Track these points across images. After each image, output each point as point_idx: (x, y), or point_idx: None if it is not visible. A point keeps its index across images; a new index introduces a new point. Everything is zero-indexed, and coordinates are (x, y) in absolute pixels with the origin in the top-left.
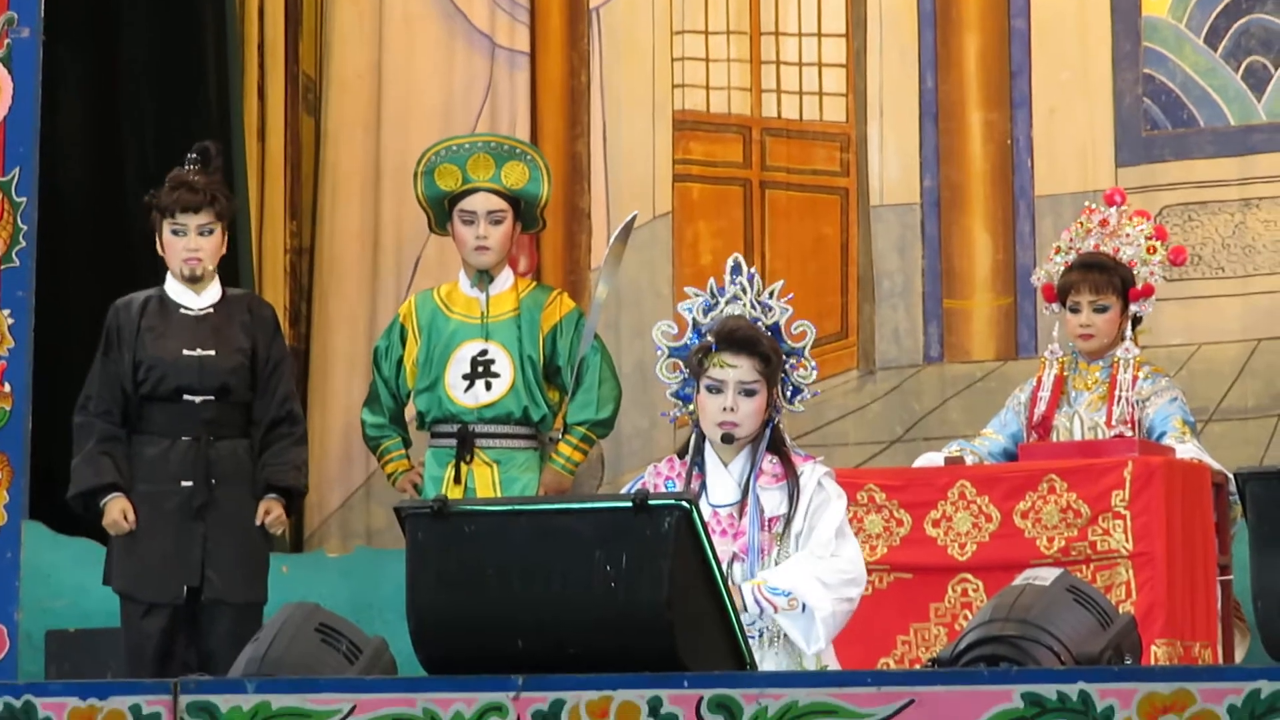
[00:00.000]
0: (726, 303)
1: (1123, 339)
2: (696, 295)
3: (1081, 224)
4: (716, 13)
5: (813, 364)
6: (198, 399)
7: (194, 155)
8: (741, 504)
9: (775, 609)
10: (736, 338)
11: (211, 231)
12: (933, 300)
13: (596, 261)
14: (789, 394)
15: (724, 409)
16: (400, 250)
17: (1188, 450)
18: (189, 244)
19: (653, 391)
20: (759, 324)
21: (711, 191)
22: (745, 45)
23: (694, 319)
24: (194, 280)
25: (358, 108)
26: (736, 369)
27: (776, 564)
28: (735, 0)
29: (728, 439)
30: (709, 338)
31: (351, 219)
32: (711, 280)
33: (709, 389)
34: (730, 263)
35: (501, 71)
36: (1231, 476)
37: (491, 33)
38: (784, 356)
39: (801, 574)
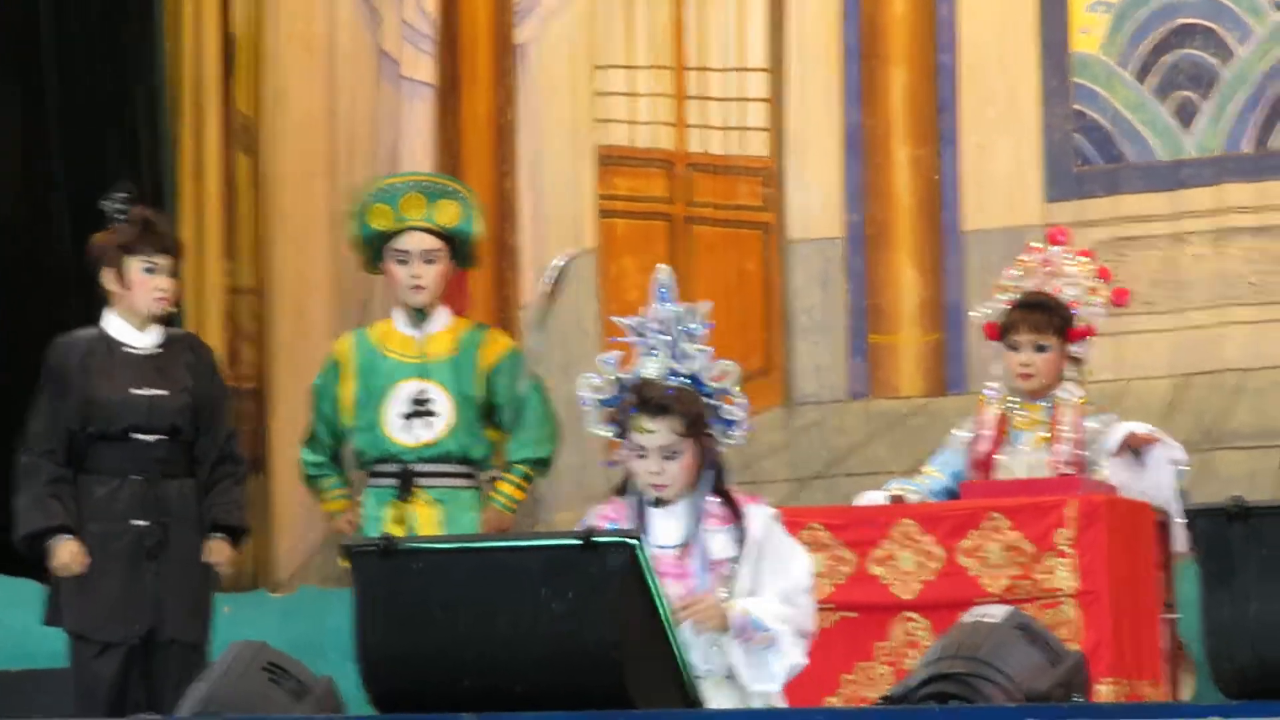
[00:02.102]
0: (645, 353)
1: (1062, 379)
2: (628, 326)
3: (1024, 263)
4: (639, 47)
5: (741, 399)
6: (149, 438)
7: (122, 194)
8: (685, 546)
9: (750, 640)
10: (651, 405)
11: (175, 274)
12: (858, 335)
13: (526, 298)
14: (726, 430)
15: (650, 473)
16: (355, 291)
17: (1143, 426)
18: (160, 283)
19: (582, 429)
20: (677, 376)
21: (636, 227)
22: (668, 79)
23: (617, 377)
24: (155, 319)
25: (307, 149)
26: (655, 434)
27: None
28: (658, 34)
29: (659, 502)
30: (627, 398)
31: (313, 260)
32: (637, 317)
33: (636, 453)
34: (655, 285)
35: (406, 104)
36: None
37: (399, 64)
38: (709, 399)
39: (780, 615)
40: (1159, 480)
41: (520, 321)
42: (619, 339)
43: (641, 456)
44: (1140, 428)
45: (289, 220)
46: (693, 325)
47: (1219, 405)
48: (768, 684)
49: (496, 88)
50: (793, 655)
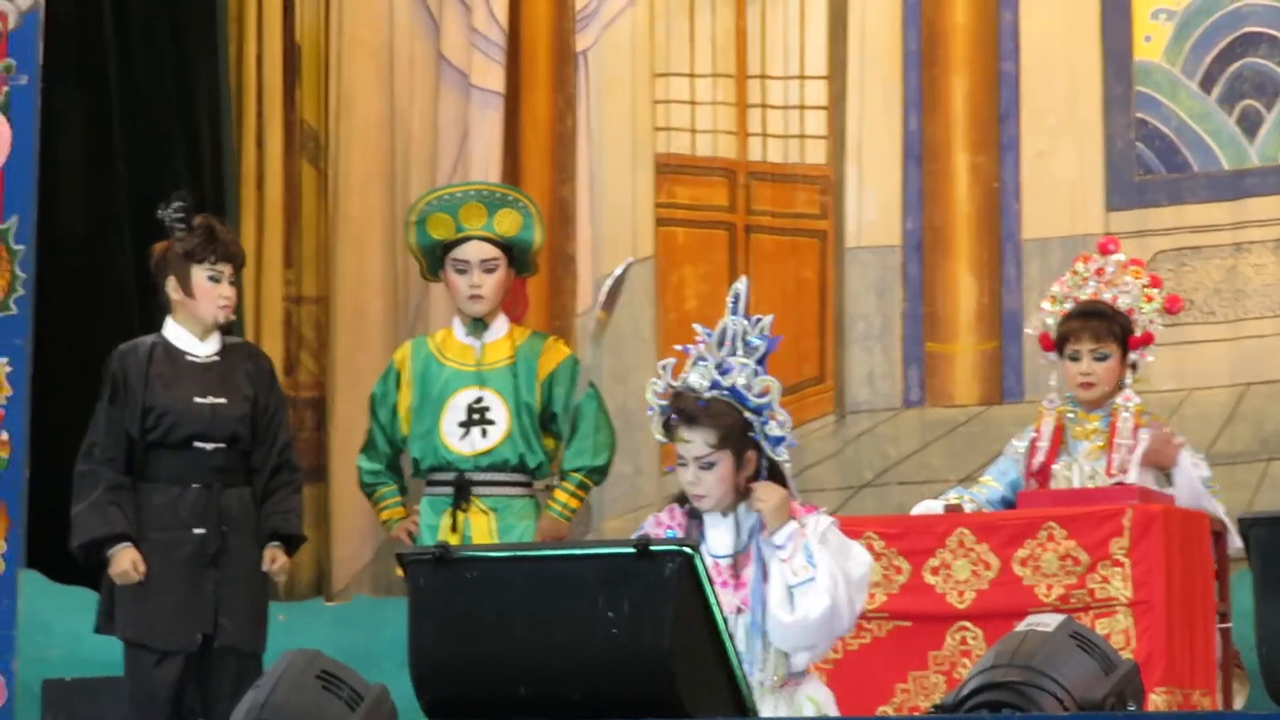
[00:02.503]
0: (691, 365)
1: (1122, 387)
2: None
3: (1077, 272)
4: (701, 55)
5: (784, 415)
6: (209, 446)
7: (180, 204)
8: (741, 556)
9: (790, 561)
10: (685, 415)
11: (236, 282)
12: (913, 343)
13: (583, 306)
14: (771, 447)
15: (688, 482)
16: (409, 298)
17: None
18: (225, 291)
19: (635, 436)
20: (717, 388)
21: (696, 235)
22: (730, 88)
23: (668, 384)
24: (218, 328)
25: (374, 156)
26: (690, 444)
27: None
28: (720, 42)
29: (696, 513)
30: (670, 407)
31: (374, 268)
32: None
33: (678, 460)
34: (731, 294)
35: (475, 113)
36: (1230, 523)
37: (468, 73)
38: (751, 414)
39: (831, 568)
40: (1191, 498)
41: (576, 329)
42: (683, 346)
43: (682, 464)
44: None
45: (351, 228)
46: (753, 338)
47: (1278, 414)
48: (784, 614)
49: (556, 94)
50: (818, 601)
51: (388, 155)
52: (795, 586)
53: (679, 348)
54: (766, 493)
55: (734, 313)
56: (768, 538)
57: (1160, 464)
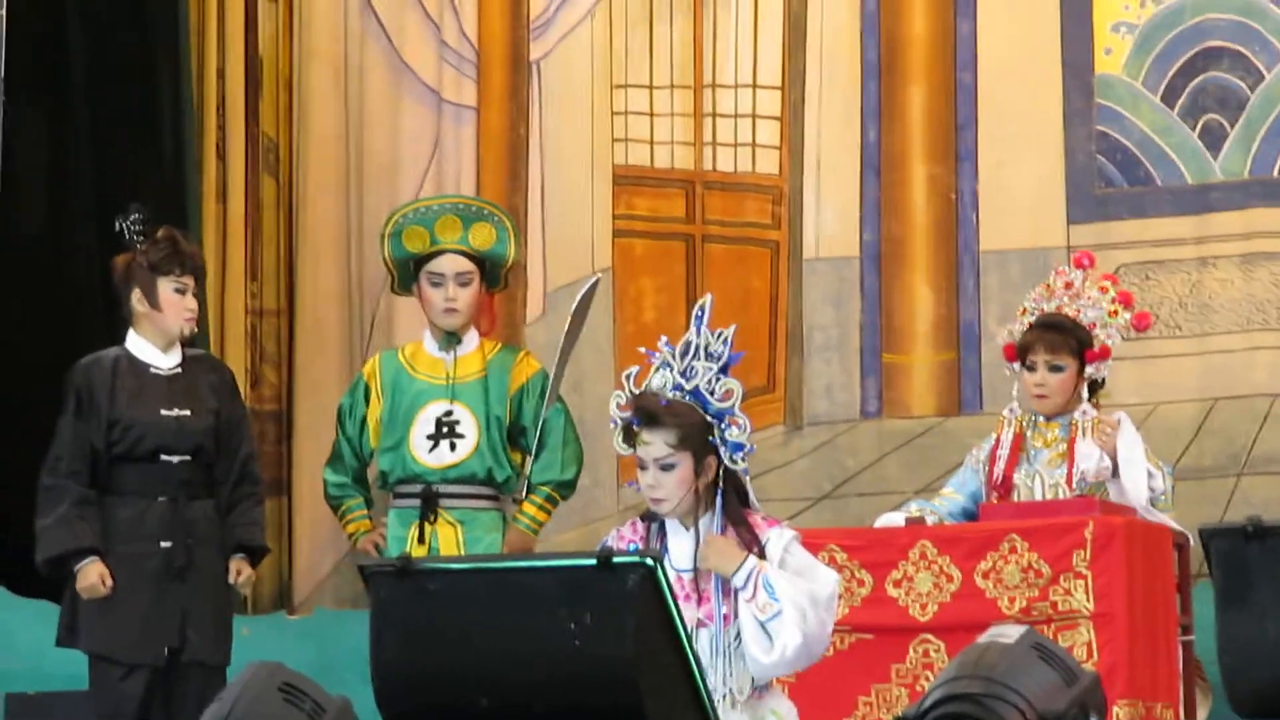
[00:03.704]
0: (655, 371)
1: (1080, 400)
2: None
3: (1048, 286)
4: (660, 67)
5: (744, 420)
6: (174, 459)
7: (137, 215)
8: (704, 569)
9: (754, 600)
10: (643, 415)
11: (199, 295)
12: (870, 354)
13: (533, 316)
14: (730, 453)
15: (648, 485)
16: (363, 310)
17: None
18: (190, 303)
19: (593, 449)
20: (680, 391)
21: (654, 247)
22: (688, 99)
23: (630, 393)
24: (182, 340)
25: (333, 169)
26: (650, 445)
27: (739, 634)
28: (678, 53)
29: (651, 516)
30: (631, 411)
31: (330, 280)
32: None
33: (638, 465)
34: (696, 309)
35: (448, 127)
36: (1190, 536)
37: (439, 88)
38: (712, 419)
39: (795, 597)
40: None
41: (526, 339)
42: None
43: (642, 469)
44: (1099, 461)
45: (308, 240)
46: (716, 349)
47: (1248, 430)
48: (762, 655)
49: (509, 103)
50: (792, 635)
51: (344, 168)
52: (765, 622)
53: (643, 351)
54: (705, 549)
55: (698, 327)
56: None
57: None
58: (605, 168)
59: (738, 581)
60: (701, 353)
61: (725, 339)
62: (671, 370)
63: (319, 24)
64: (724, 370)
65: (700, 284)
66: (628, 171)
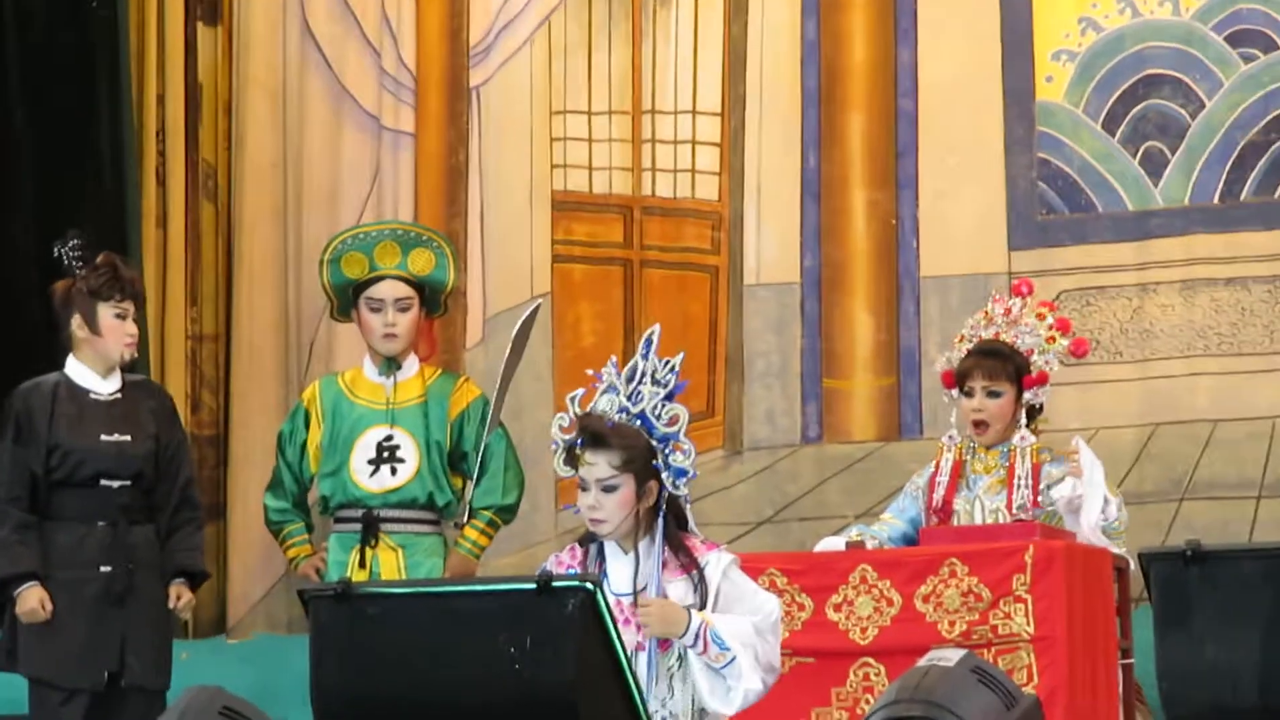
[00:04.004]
0: (600, 394)
1: (1018, 427)
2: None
3: (987, 313)
4: (598, 92)
5: (689, 445)
6: (115, 484)
7: (76, 242)
8: (643, 593)
9: (706, 653)
10: (588, 435)
11: (139, 320)
12: (811, 380)
13: (473, 341)
14: (672, 478)
15: (588, 506)
16: (300, 337)
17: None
18: (130, 328)
19: (532, 473)
20: (626, 414)
21: (593, 272)
22: (626, 125)
23: (574, 415)
24: (122, 365)
25: (270, 195)
26: (594, 466)
27: (680, 657)
28: (616, 79)
29: (591, 537)
30: (575, 433)
31: (266, 306)
32: (611, 365)
33: (579, 486)
34: (644, 339)
35: (387, 154)
36: (1131, 560)
37: (379, 114)
38: (657, 443)
39: (744, 638)
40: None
41: (465, 364)
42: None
43: (583, 490)
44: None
45: (243, 265)
46: (663, 376)
47: (1190, 455)
48: (722, 705)
49: (448, 129)
50: (750, 680)
51: (280, 194)
52: (721, 669)
53: (590, 373)
54: (646, 617)
55: (645, 354)
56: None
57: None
58: (544, 193)
59: (687, 641)
60: (649, 378)
61: (673, 367)
62: (618, 394)
63: (257, 51)
64: (669, 397)
65: (639, 309)
66: (566, 197)
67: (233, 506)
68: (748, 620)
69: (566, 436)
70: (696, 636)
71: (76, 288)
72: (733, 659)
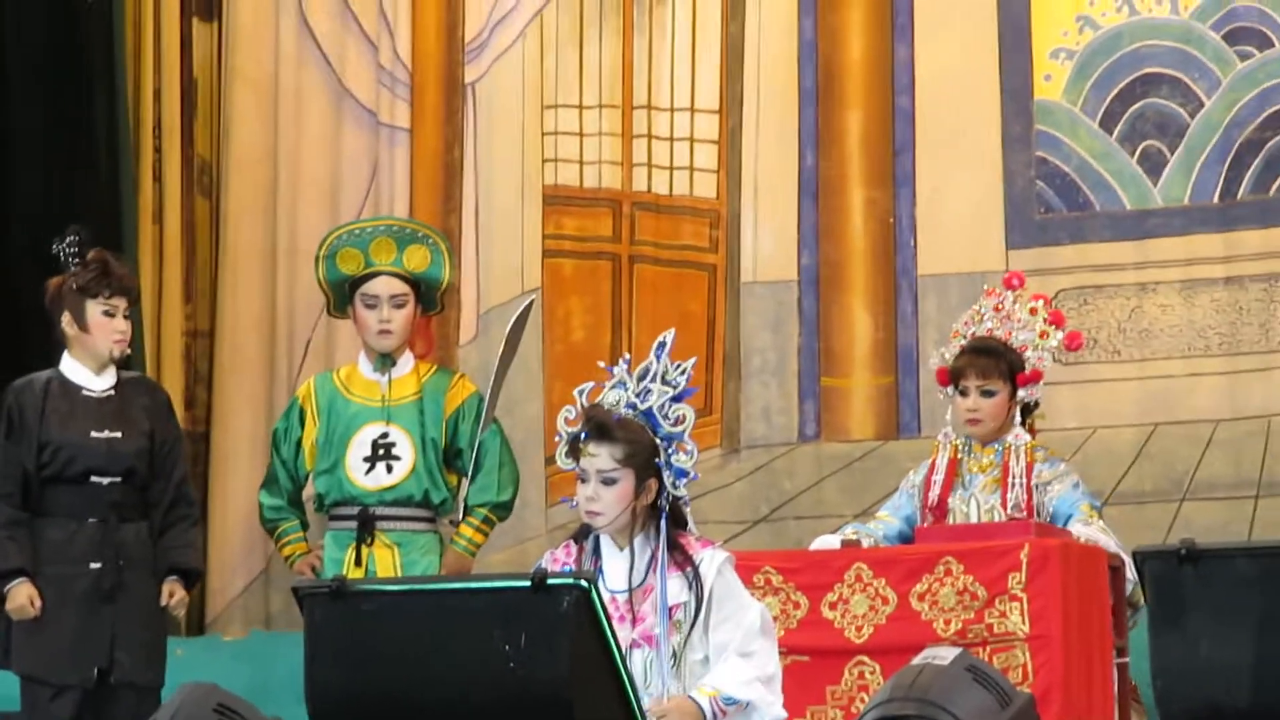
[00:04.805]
0: (609, 388)
1: (1012, 424)
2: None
3: (978, 309)
4: (589, 87)
5: (692, 446)
6: (105, 481)
7: (74, 238)
8: (639, 590)
9: (727, 717)
10: (593, 427)
11: (131, 316)
12: (809, 378)
13: (467, 337)
14: (673, 478)
15: (586, 498)
16: (293, 333)
17: (1092, 532)
18: (120, 325)
19: (523, 469)
20: (633, 409)
21: (583, 267)
22: (616, 119)
23: (581, 408)
24: (113, 362)
25: (256, 190)
26: (596, 458)
27: (675, 654)
28: (608, 74)
29: (586, 529)
30: (581, 425)
31: (251, 302)
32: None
33: (579, 478)
34: (657, 343)
35: (384, 149)
36: (1129, 559)
37: (375, 109)
38: (661, 441)
39: (746, 680)
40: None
41: (459, 360)
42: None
43: (582, 481)
44: (1092, 534)
45: (229, 261)
46: (674, 377)
47: (1189, 455)
48: None
49: (445, 126)
50: (773, 710)
51: (268, 189)
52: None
53: (602, 364)
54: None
55: (658, 357)
56: None
57: None
58: (535, 188)
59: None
60: (659, 379)
61: (684, 370)
62: (626, 389)
63: (244, 46)
64: (678, 399)
65: (628, 304)
66: (557, 191)
67: (213, 501)
68: (735, 649)
69: (572, 428)
70: (714, 715)
71: (66, 285)
72: (748, 703)
